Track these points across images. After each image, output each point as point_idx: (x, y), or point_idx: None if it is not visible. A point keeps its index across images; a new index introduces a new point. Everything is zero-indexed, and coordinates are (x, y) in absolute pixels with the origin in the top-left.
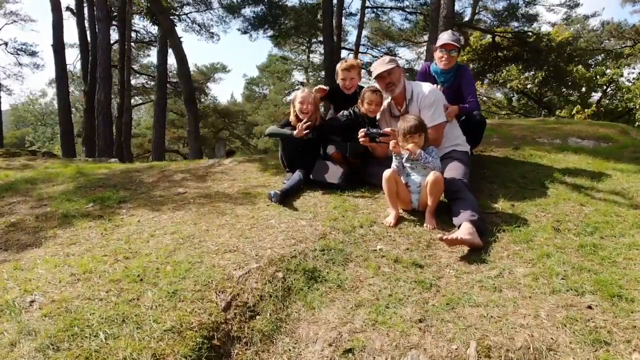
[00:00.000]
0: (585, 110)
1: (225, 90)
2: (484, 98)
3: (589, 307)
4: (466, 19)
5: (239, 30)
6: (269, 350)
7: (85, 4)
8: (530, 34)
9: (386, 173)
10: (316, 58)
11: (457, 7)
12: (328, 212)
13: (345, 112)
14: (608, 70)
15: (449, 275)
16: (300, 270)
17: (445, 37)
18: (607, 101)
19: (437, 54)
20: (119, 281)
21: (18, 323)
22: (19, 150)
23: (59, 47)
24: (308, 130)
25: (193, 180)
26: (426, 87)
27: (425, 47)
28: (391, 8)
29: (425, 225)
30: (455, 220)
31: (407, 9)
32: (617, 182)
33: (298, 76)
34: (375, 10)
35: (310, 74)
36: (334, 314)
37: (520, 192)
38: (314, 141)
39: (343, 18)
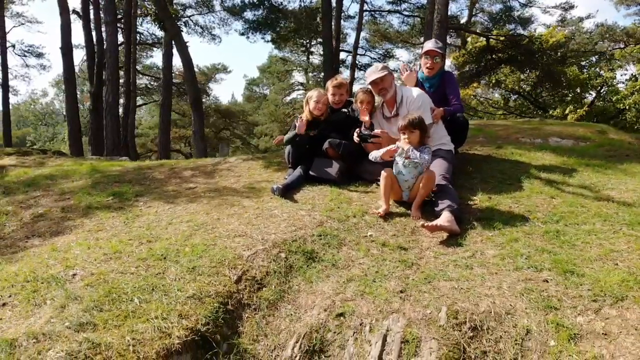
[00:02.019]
0: (578, 110)
1: (226, 91)
2: (481, 99)
3: (545, 280)
4: (463, 20)
5: (236, 31)
6: (274, 314)
7: (91, 7)
8: (523, 36)
9: (386, 170)
10: (316, 59)
11: (454, 10)
12: (325, 204)
13: (344, 110)
14: (602, 72)
15: (429, 256)
16: (300, 251)
17: (429, 45)
18: (601, 102)
19: (423, 61)
20: (146, 259)
21: (65, 291)
22: (30, 149)
23: (67, 50)
24: (315, 132)
25: (202, 177)
26: (415, 91)
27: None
28: (388, 11)
29: (411, 216)
30: (437, 210)
31: (404, 12)
32: (587, 178)
33: (298, 77)
34: (373, 13)
35: (310, 74)
36: (328, 287)
37: (498, 186)
38: (320, 139)
39: (342, 21)
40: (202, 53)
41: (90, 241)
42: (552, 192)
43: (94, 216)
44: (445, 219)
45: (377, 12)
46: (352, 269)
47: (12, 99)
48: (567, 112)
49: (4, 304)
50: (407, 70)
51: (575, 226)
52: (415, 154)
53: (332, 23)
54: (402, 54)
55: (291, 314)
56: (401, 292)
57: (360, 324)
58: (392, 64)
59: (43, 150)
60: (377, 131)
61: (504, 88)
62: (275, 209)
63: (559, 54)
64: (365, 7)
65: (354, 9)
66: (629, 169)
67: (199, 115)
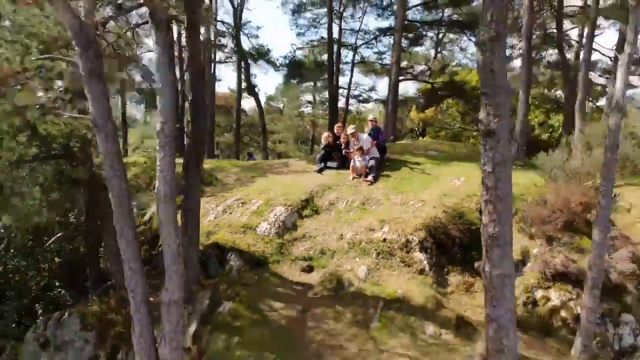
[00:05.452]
0: None
1: (248, 104)
2: (446, 113)
3: (393, 197)
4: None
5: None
6: (316, 213)
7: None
8: (455, 80)
9: (352, 164)
10: (320, 85)
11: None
12: (332, 176)
13: (338, 142)
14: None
15: (363, 188)
16: (326, 187)
17: (370, 117)
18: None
19: (369, 123)
20: (292, 186)
21: (274, 191)
22: None
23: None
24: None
25: (282, 167)
26: (365, 136)
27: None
28: (373, 62)
29: (361, 179)
30: (369, 175)
31: (383, 62)
32: (426, 167)
33: (307, 96)
34: (361, 62)
35: (317, 97)
36: (333, 196)
37: (394, 169)
38: (331, 152)
39: (340, 65)
40: (230, 74)
41: (264, 183)
42: (408, 171)
43: (257, 179)
44: (370, 177)
45: (364, 62)
46: (339, 193)
47: None
48: None
49: (265, 190)
50: (370, 123)
51: (408, 181)
52: (365, 159)
53: (334, 68)
54: (384, 86)
55: (324, 202)
56: (353, 194)
57: (336, 201)
58: (374, 94)
59: None
60: (351, 150)
61: (453, 112)
62: (316, 177)
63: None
64: (356, 59)
65: (350, 57)
66: (449, 164)
67: (264, 137)
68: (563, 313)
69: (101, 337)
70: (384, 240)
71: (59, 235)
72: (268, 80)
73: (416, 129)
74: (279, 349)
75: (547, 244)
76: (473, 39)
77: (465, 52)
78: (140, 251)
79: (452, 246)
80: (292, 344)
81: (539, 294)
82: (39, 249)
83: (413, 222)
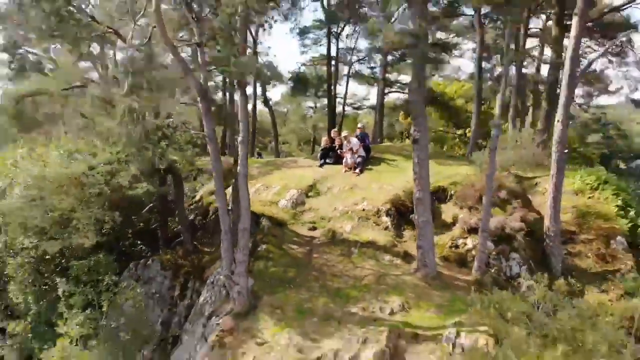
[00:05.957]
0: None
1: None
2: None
3: (373, 184)
4: None
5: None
6: (318, 194)
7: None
8: (434, 91)
9: (344, 160)
10: (320, 94)
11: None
12: (329, 169)
13: (334, 144)
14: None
15: (353, 178)
16: (323, 178)
17: (359, 124)
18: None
19: (358, 129)
20: (297, 178)
21: (292, 178)
22: None
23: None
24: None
25: (292, 163)
26: (354, 139)
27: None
28: (365, 75)
29: (352, 171)
30: (357, 168)
31: (374, 74)
32: (400, 163)
33: (309, 104)
34: (357, 72)
35: (317, 104)
36: (329, 183)
37: (377, 164)
38: (329, 152)
39: (340, 77)
40: None
41: (279, 175)
42: (386, 165)
43: (275, 171)
44: (357, 170)
45: (358, 75)
46: (334, 181)
47: None
48: (467, 131)
49: (281, 179)
50: (358, 129)
51: (385, 172)
52: (354, 157)
53: (332, 81)
54: (373, 94)
55: (324, 187)
56: (351, 188)
57: (332, 186)
58: (366, 102)
59: None
60: (343, 150)
61: (435, 117)
62: (317, 170)
63: (457, 99)
64: (351, 72)
65: (346, 70)
66: None
67: (276, 140)
68: (473, 252)
69: (175, 274)
70: (363, 210)
71: (150, 205)
72: (273, 86)
73: (404, 132)
74: (296, 267)
75: (469, 211)
76: (454, 54)
77: (447, 67)
78: (227, 203)
79: (407, 213)
80: (304, 266)
81: (460, 241)
82: (123, 216)
83: (383, 199)
